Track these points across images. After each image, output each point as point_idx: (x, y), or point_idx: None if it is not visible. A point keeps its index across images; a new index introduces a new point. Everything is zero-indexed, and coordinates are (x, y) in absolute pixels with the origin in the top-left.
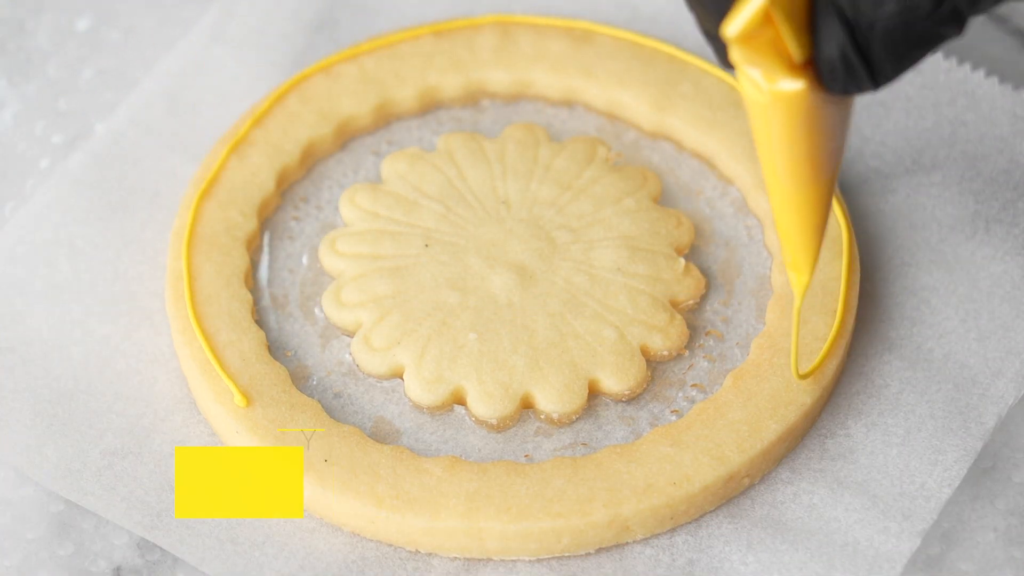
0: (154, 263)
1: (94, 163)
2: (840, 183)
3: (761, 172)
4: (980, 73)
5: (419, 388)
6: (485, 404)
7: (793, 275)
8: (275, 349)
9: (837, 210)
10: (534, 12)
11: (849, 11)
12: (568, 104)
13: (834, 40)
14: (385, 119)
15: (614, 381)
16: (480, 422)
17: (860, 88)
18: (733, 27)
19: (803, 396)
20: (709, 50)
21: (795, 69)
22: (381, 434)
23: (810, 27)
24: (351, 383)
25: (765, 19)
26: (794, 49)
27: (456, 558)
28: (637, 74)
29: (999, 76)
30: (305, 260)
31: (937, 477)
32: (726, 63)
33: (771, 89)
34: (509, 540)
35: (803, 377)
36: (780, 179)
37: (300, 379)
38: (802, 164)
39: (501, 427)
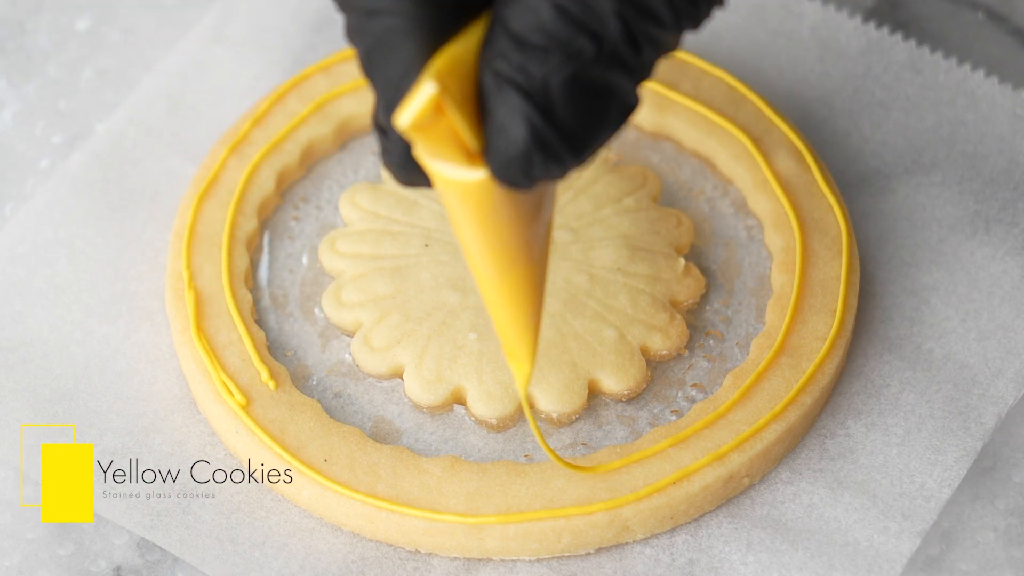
0: (154, 263)
1: (94, 163)
2: (840, 183)
3: (753, 175)
4: (980, 73)
5: (419, 388)
6: (485, 404)
7: (513, 365)
8: (275, 349)
9: (837, 210)
10: None
11: (519, 76)
12: None
13: (516, 114)
14: None
15: (614, 381)
16: (480, 422)
17: (561, 164)
18: (404, 117)
19: (803, 396)
20: (709, 50)
21: (474, 158)
22: (381, 434)
23: (482, 116)
24: (351, 383)
25: (437, 108)
26: (469, 138)
27: (456, 558)
28: None
29: (999, 76)
30: (305, 260)
31: (937, 477)
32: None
33: (455, 180)
34: (509, 540)
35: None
36: (482, 269)
37: (300, 379)
38: (500, 252)
39: (501, 427)
